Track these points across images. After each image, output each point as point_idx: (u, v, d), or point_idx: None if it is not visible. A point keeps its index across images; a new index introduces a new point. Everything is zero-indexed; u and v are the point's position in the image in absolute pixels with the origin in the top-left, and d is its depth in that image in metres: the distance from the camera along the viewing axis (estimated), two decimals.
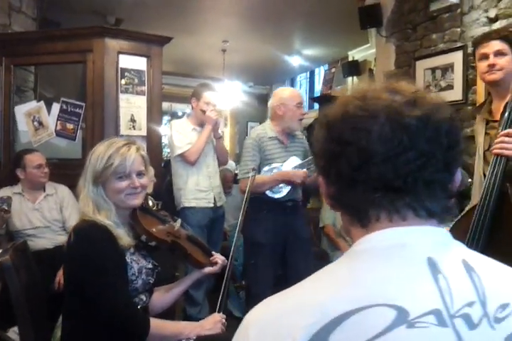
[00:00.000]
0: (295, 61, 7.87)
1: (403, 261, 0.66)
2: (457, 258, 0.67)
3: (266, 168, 2.97)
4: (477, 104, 4.16)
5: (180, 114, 9.58)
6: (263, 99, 9.87)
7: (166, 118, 9.46)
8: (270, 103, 3.09)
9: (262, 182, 2.85)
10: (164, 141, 7.47)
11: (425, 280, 0.64)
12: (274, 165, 2.97)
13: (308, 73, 9.55)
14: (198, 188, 3.44)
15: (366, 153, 0.67)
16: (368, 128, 0.67)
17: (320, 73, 8.97)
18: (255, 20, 5.99)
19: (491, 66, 1.98)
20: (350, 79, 6.94)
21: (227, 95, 8.01)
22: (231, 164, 7.74)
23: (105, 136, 3.31)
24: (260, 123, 3.45)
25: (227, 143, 9.44)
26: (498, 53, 1.98)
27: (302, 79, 10.02)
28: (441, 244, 0.69)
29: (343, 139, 0.69)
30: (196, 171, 3.44)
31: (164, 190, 4.11)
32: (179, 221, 1.83)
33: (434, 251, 0.67)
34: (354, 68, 6.65)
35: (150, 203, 1.79)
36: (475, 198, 1.97)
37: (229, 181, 4.86)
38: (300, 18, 5.89)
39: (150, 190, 2.97)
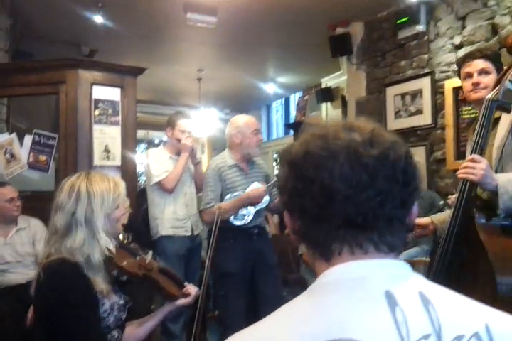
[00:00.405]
0: (270, 88, 7.98)
1: (364, 294, 0.67)
2: (414, 291, 0.68)
3: (228, 196, 2.98)
4: (446, 128, 4.29)
5: (156, 141, 9.56)
6: None
7: (142, 145, 9.44)
8: (227, 132, 3.10)
9: (224, 209, 2.86)
10: (140, 168, 7.46)
11: (383, 313, 0.65)
12: (236, 193, 2.97)
13: (283, 99, 9.68)
14: (175, 217, 3.43)
15: (329, 191, 0.70)
16: (330, 167, 0.70)
17: (295, 99, 9.11)
18: (229, 49, 6.09)
19: (476, 85, 1.99)
20: (324, 105, 7.07)
21: (204, 123, 8.05)
22: None
23: (78, 167, 3.30)
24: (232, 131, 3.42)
25: (204, 170, 9.43)
26: (482, 72, 1.99)
27: (278, 105, 10.15)
28: (399, 277, 0.71)
29: (307, 177, 0.71)
30: (173, 200, 3.43)
31: (140, 219, 4.07)
32: (150, 253, 1.82)
33: (392, 283, 0.68)
34: (327, 94, 6.78)
35: (121, 236, 1.78)
36: None
37: None
38: (273, 47, 6.02)
39: (125, 220, 2.95)
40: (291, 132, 8.29)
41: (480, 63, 1.99)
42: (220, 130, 8.80)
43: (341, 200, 0.69)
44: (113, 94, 3.49)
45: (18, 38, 4.62)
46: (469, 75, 2.02)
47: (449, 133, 4.22)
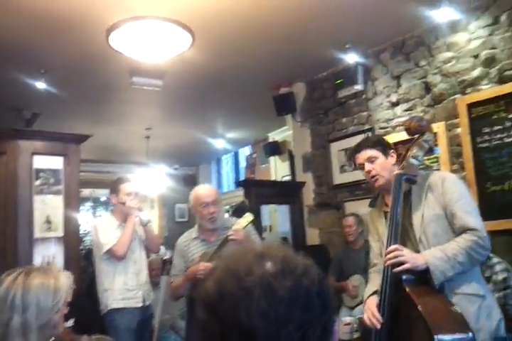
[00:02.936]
0: (219, 144, 8.06)
1: None
2: None
3: None
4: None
5: (102, 199, 9.37)
6: (189, 180, 9.89)
7: (87, 204, 9.21)
8: None
9: (175, 286, 2.84)
10: (87, 228, 7.24)
11: None
12: None
13: (233, 152, 9.78)
14: (126, 287, 3.29)
15: (248, 332, 0.68)
16: (246, 306, 0.68)
17: (244, 152, 9.23)
18: (177, 109, 6.15)
19: (369, 172, 2.17)
20: (272, 158, 7.18)
21: (153, 180, 7.97)
22: (160, 249, 7.52)
23: (19, 241, 3.16)
24: (188, 204, 3.36)
25: (155, 227, 9.25)
26: (370, 160, 2.17)
27: (228, 157, 10.22)
28: None
29: (225, 320, 0.70)
30: (123, 269, 3.31)
31: (85, 287, 3.88)
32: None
33: None
34: (275, 148, 6.90)
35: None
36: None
37: (155, 269, 4.70)
38: (220, 106, 6.12)
39: (69, 297, 2.80)
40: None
41: (366, 153, 2.19)
42: (170, 186, 8.75)
43: (263, 338, 0.68)
44: (55, 162, 3.41)
45: None
46: (362, 166, 2.20)
47: None
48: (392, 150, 2.21)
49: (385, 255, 1.92)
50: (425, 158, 3.90)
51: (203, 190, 2.96)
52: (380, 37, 4.37)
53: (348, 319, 3.67)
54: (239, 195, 6.69)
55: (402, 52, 4.41)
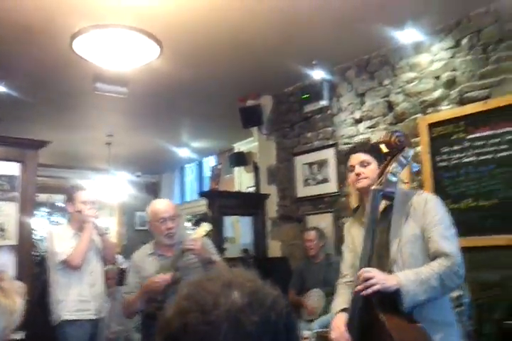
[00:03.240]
0: (183, 152, 7.99)
1: None
2: None
3: None
4: (349, 196, 4.47)
5: (59, 204, 9.12)
6: (152, 188, 9.77)
7: (44, 209, 8.94)
8: None
9: (128, 302, 2.74)
10: (43, 234, 7.00)
11: None
12: None
13: (197, 161, 9.70)
14: (80, 298, 3.20)
15: None
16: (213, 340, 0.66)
17: (209, 162, 9.17)
18: (141, 117, 6.07)
19: (358, 175, 2.14)
20: (237, 169, 7.16)
21: (113, 186, 7.81)
22: (117, 258, 7.36)
23: None
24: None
25: (113, 234, 9.07)
26: (363, 164, 2.15)
27: (192, 165, 10.13)
28: None
29: None
30: (78, 280, 3.22)
31: (37, 296, 3.75)
32: None
33: None
34: (240, 159, 6.88)
35: None
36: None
37: (110, 278, 4.61)
38: (186, 115, 6.09)
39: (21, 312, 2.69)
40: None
41: (360, 156, 2.17)
42: (131, 194, 8.59)
43: None
44: (11, 169, 3.29)
45: None
46: (352, 168, 2.18)
47: (353, 202, 4.40)
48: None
49: (357, 278, 1.88)
50: None
51: (161, 205, 2.84)
52: (346, 55, 4.45)
53: (306, 333, 3.63)
54: (202, 205, 6.64)
55: (366, 70, 4.49)
